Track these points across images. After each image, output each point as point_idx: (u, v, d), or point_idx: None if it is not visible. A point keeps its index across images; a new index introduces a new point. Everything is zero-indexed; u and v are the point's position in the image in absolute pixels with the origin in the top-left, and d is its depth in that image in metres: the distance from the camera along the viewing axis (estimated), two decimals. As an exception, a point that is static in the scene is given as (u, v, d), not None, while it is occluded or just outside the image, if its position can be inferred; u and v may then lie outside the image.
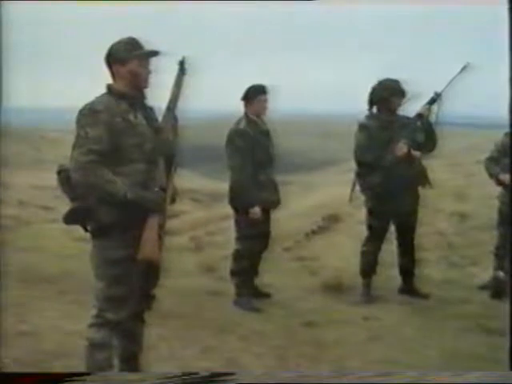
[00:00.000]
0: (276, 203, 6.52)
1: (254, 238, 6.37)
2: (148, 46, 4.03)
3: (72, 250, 8.40)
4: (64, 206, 4.01)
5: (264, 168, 6.31)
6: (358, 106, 7.01)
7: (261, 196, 6.27)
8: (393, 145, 6.38)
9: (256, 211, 6.23)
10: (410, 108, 6.56)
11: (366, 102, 6.60)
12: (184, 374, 4.27)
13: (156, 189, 3.90)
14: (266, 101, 6.33)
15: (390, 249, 6.87)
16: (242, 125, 6.30)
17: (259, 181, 6.27)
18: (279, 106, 6.44)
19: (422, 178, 6.62)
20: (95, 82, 4.06)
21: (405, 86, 6.50)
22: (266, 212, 6.45)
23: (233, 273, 6.50)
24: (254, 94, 6.29)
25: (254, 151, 6.22)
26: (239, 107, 6.33)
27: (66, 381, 4.11)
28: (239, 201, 6.34)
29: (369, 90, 6.57)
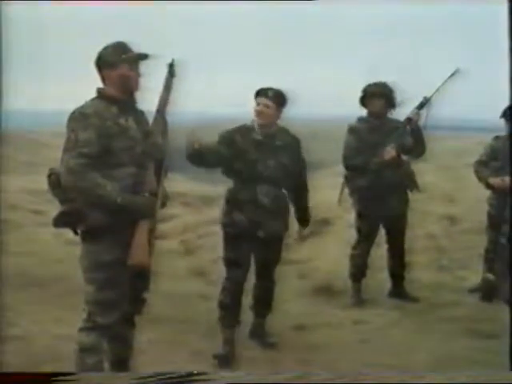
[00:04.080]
0: (257, 229, 5.23)
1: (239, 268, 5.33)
2: (144, 49, 4.05)
3: (62, 253, 8.38)
4: (55, 209, 4.01)
5: (247, 185, 5.23)
6: (348, 108, 7.03)
7: (232, 216, 5.25)
8: (381, 148, 6.40)
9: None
10: (406, 111, 6.58)
11: (355, 105, 6.64)
12: (159, 374, 4.27)
13: (146, 194, 3.91)
14: (259, 104, 5.28)
15: (379, 252, 6.90)
16: (234, 128, 5.39)
17: (239, 200, 5.25)
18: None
19: (410, 182, 6.65)
20: (95, 85, 4.06)
21: (395, 89, 6.53)
22: (253, 239, 5.28)
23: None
24: (255, 95, 5.34)
25: (234, 159, 5.22)
26: (232, 109, 6.05)
27: (55, 380, 4.11)
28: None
29: (359, 92, 6.62)
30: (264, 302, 5.57)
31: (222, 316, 5.30)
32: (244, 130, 5.30)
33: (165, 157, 4.05)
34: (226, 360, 5.13)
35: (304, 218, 5.60)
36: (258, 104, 5.28)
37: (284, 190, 5.39)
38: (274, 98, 5.25)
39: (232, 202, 5.26)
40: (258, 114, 5.28)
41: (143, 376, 4.23)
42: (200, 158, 4.99)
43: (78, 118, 3.86)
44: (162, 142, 4.03)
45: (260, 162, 5.21)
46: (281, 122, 5.37)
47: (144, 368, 4.48)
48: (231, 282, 5.27)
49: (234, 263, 5.26)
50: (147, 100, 4.18)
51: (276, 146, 5.29)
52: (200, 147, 4.83)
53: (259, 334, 5.58)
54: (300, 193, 5.53)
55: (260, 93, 5.29)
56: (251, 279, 5.40)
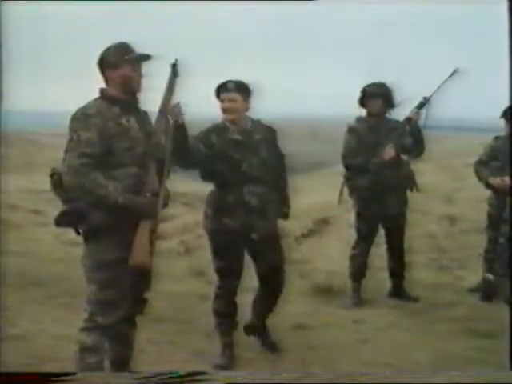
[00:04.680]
0: (250, 232, 4.99)
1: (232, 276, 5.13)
2: (144, 50, 4.06)
3: (62, 253, 8.39)
4: (55, 209, 4.02)
5: (233, 187, 4.97)
6: (348, 108, 7.04)
7: (221, 222, 4.98)
8: (380, 148, 6.41)
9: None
10: (406, 111, 6.59)
11: (355, 104, 6.65)
12: (159, 374, 4.27)
13: (148, 194, 3.91)
14: (223, 100, 5.00)
15: (379, 252, 6.90)
16: (209, 127, 5.08)
17: (224, 203, 4.98)
18: (268, 108, 5.87)
19: (410, 182, 6.65)
20: (95, 85, 4.06)
21: (394, 89, 6.54)
22: (247, 242, 5.06)
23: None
24: (217, 93, 5.05)
25: (214, 161, 4.94)
26: None
27: (55, 381, 4.12)
28: None
29: (358, 92, 6.63)
30: (267, 311, 5.42)
31: (218, 323, 5.17)
32: (218, 130, 5.01)
33: (166, 157, 4.06)
34: (225, 368, 5.01)
35: (283, 210, 5.27)
36: (223, 100, 4.99)
37: (267, 186, 5.07)
38: (236, 90, 4.97)
39: (218, 206, 5.00)
40: (226, 110, 5.00)
41: (145, 375, 4.23)
42: (184, 140, 4.47)
43: (81, 118, 3.87)
44: (163, 143, 4.04)
45: (244, 161, 4.96)
46: (281, 123, 5.32)
47: (144, 368, 4.48)
48: (225, 290, 5.10)
49: (227, 271, 5.05)
50: (150, 100, 4.19)
51: (255, 142, 5.04)
52: (184, 124, 4.35)
53: (259, 331, 5.46)
54: (279, 185, 5.23)
55: (221, 88, 4.99)
56: (248, 280, 5.34)
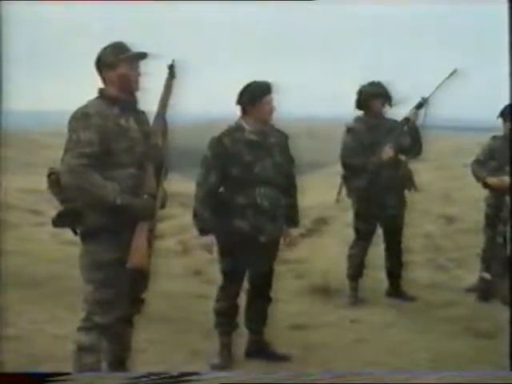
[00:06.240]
0: (258, 234, 4.92)
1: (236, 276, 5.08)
2: (142, 49, 4.06)
3: (59, 253, 8.39)
4: (52, 209, 4.02)
5: (244, 188, 4.88)
6: (346, 108, 7.04)
7: (231, 223, 4.89)
8: (379, 148, 6.41)
9: (204, 242, 4.99)
10: (402, 111, 6.60)
11: (353, 104, 6.65)
12: (152, 374, 4.27)
13: (145, 196, 3.91)
14: (269, 102, 4.94)
15: (377, 252, 6.90)
16: (220, 132, 4.98)
17: (235, 204, 4.89)
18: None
19: (408, 182, 6.65)
20: (95, 85, 4.06)
21: (391, 88, 6.55)
22: (254, 244, 4.93)
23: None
24: (258, 95, 4.90)
25: (228, 166, 4.88)
26: (233, 109, 5.56)
27: (51, 381, 4.12)
28: (195, 223, 5.07)
29: (356, 92, 6.62)
30: (259, 320, 5.28)
31: (218, 323, 5.13)
32: (231, 131, 4.95)
33: (165, 158, 4.06)
34: (223, 368, 5.01)
35: (294, 218, 5.21)
36: (268, 102, 4.94)
37: (279, 190, 5.02)
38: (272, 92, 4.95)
39: (229, 207, 4.91)
40: (271, 112, 4.99)
41: (136, 376, 4.23)
42: None
43: (80, 117, 3.88)
44: (161, 144, 4.04)
45: (257, 163, 4.89)
46: (279, 123, 5.27)
47: (141, 368, 4.48)
48: (228, 292, 5.07)
49: (233, 274, 5.02)
50: (148, 101, 4.19)
51: (270, 144, 4.97)
52: None
53: (258, 350, 5.28)
54: (290, 191, 5.16)
55: (264, 90, 4.92)
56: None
